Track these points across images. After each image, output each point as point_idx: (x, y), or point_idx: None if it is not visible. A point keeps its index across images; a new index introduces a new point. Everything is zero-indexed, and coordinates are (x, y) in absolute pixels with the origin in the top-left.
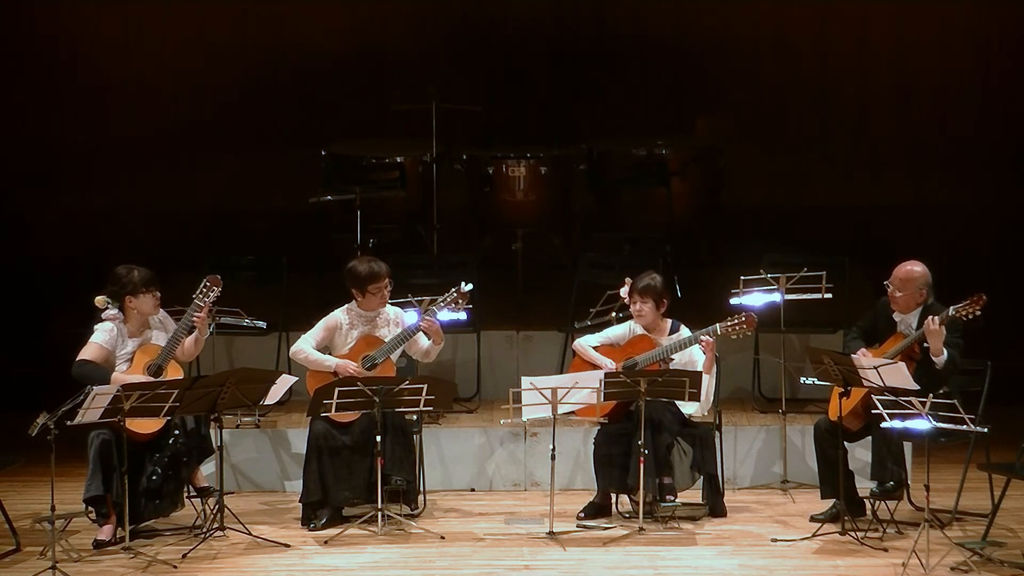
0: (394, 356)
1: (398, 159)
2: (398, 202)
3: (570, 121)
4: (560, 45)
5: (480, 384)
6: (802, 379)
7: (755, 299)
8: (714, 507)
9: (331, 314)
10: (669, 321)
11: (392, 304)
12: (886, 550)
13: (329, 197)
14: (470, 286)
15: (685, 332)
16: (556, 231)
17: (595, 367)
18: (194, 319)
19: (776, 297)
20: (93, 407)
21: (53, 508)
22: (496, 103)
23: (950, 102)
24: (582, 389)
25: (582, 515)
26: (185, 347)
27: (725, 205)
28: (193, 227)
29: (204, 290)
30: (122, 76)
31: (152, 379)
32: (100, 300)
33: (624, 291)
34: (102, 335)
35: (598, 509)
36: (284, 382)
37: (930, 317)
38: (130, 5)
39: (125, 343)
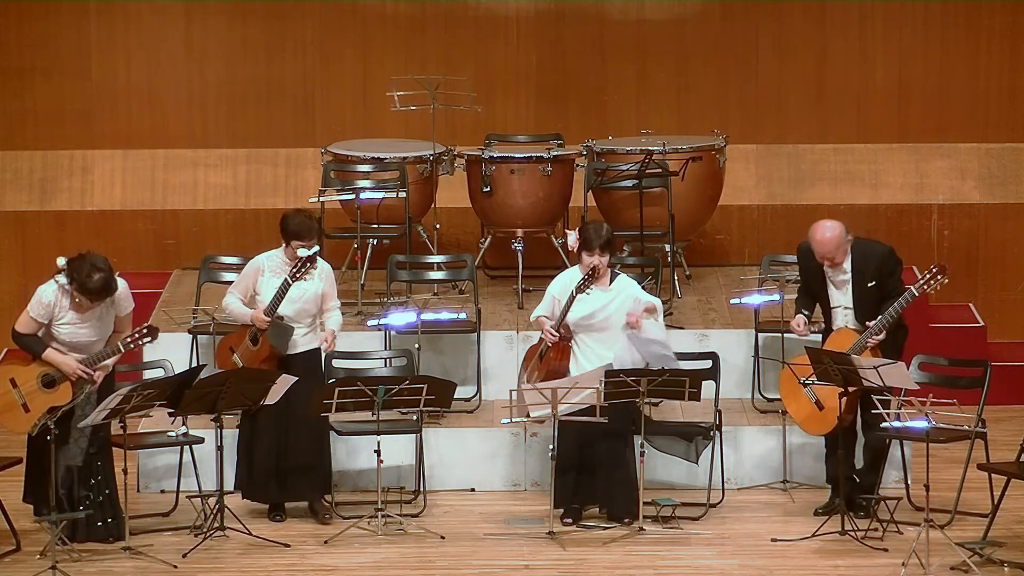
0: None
1: (398, 159)
2: (398, 202)
3: (571, 121)
4: (560, 44)
5: (480, 384)
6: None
7: (755, 299)
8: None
9: (253, 259)
10: (609, 269)
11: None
12: (886, 550)
13: (329, 197)
14: (314, 250)
15: (624, 279)
16: (556, 231)
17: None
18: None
19: (776, 297)
20: (102, 409)
21: (53, 508)
22: (496, 102)
23: (950, 102)
24: (582, 389)
25: (568, 520)
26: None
27: (725, 205)
28: (192, 227)
29: (137, 336)
30: (121, 75)
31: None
32: (61, 262)
33: (572, 241)
34: (37, 308)
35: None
36: (284, 382)
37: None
38: (130, 4)
39: (63, 312)
